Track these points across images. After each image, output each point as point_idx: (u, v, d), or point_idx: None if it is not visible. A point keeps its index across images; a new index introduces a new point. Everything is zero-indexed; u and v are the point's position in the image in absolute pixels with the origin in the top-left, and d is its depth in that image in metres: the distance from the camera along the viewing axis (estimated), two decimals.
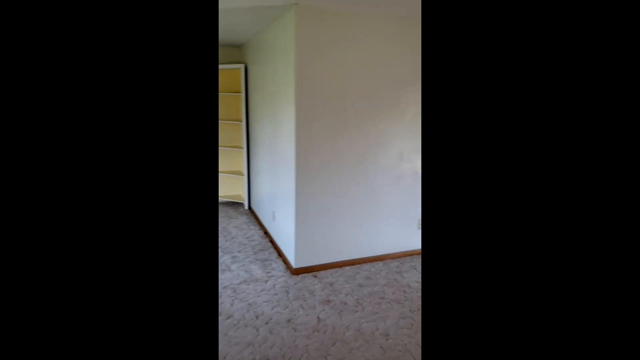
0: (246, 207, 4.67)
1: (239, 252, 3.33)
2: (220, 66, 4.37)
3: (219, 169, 4.71)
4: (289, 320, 2.28)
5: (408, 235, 3.30)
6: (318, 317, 2.32)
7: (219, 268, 2.99)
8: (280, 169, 3.15)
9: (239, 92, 4.45)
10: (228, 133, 4.72)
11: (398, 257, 3.26)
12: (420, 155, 3.17)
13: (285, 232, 3.13)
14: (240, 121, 4.50)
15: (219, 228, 3.92)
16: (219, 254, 3.28)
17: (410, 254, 3.32)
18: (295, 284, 2.76)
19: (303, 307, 2.43)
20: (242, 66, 4.28)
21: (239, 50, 4.60)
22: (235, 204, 4.83)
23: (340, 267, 3.05)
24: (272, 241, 3.55)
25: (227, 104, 4.63)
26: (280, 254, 3.27)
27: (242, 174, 4.63)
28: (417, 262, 3.17)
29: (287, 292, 2.63)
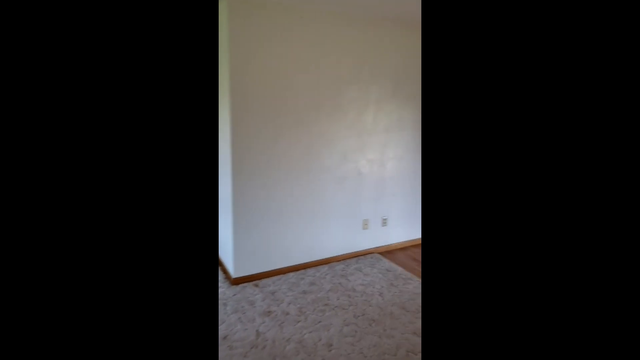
0: None
1: None
2: None
3: None
4: (224, 338, 2.09)
5: (353, 236, 3.24)
6: (257, 330, 2.16)
7: None
8: None
9: None
10: None
11: (344, 259, 3.19)
12: (363, 155, 3.13)
13: (223, 240, 2.91)
14: None
15: None
16: None
17: (355, 255, 3.27)
18: (234, 295, 2.57)
19: (241, 321, 2.25)
20: None
21: None
22: None
23: (284, 273, 2.91)
24: None
25: None
26: (218, 263, 3.04)
27: None
28: (363, 263, 3.13)
29: (225, 304, 2.44)
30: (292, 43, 2.61)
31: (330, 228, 3.09)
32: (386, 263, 3.14)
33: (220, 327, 2.18)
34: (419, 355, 2.00)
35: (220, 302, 2.46)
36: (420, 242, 3.66)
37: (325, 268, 3.02)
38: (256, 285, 2.71)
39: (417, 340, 2.10)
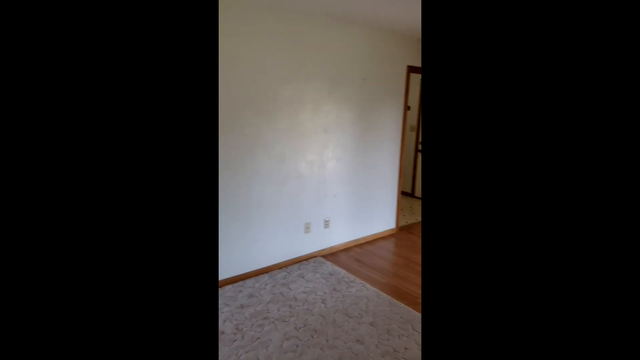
0: None
1: None
2: None
3: None
4: None
5: (295, 240, 3.12)
6: None
7: None
8: None
9: None
10: None
11: (286, 266, 3.06)
12: (302, 156, 3.01)
13: None
14: None
15: None
16: None
17: (298, 260, 3.15)
18: None
19: None
20: None
21: None
22: None
23: (221, 287, 2.69)
24: None
25: None
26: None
27: None
28: (305, 268, 3.02)
29: None
30: (227, 39, 2.39)
31: (270, 234, 2.93)
32: (329, 266, 3.07)
33: None
34: None
35: None
36: (362, 241, 3.65)
37: (265, 277, 2.86)
38: None
39: (360, 349, 2.04)
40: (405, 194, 5.69)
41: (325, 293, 2.64)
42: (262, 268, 2.94)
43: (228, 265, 2.74)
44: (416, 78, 5.28)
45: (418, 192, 5.51)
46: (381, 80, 3.44)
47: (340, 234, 3.46)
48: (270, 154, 2.81)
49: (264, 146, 2.76)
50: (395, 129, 3.72)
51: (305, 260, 3.19)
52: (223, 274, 2.73)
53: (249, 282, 2.78)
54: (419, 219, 4.48)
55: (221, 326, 2.22)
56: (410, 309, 2.45)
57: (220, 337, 2.11)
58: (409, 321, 2.31)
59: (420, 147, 5.39)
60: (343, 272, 2.98)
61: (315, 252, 3.29)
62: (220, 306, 2.44)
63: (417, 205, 5.11)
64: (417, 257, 3.32)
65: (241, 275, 2.82)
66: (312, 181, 3.13)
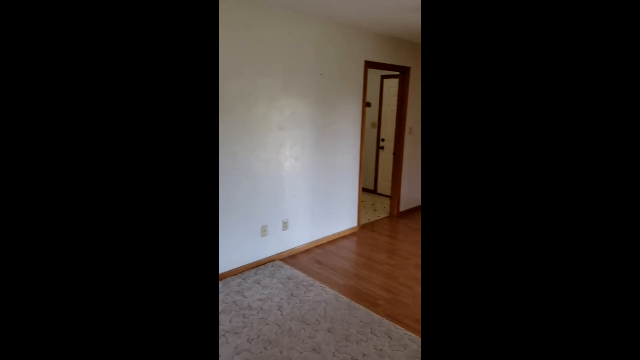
0: None
1: None
2: None
3: None
4: None
5: (251, 245, 2.96)
6: None
7: None
8: None
9: None
10: None
11: (241, 272, 2.89)
12: (256, 155, 2.85)
13: None
14: None
15: None
16: None
17: (255, 265, 2.99)
18: None
19: None
20: None
21: None
22: None
23: None
24: None
25: None
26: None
27: None
28: (262, 273, 2.87)
29: None
30: None
31: (222, 239, 2.75)
32: (287, 270, 2.94)
33: None
34: None
35: None
36: (323, 241, 3.55)
37: (219, 285, 2.67)
38: None
39: (316, 358, 1.93)
40: (368, 191, 5.67)
41: (282, 299, 2.50)
42: None
43: None
44: (374, 73, 5.25)
45: (380, 188, 5.51)
46: (339, 76, 3.34)
47: (300, 235, 3.34)
48: (220, 153, 2.62)
49: None
50: (354, 125, 3.64)
51: (263, 264, 3.04)
52: None
53: None
54: (381, 215, 4.46)
55: None
56: (369, 311, 2.37)
57: None
58: (367, 324, 2.23)
59: (381, 143, 5.38)
60: (302, 275, 2.86)
61: (273, 255, 3.14)
62: None
63: (380, 202, 5.10)
64: (378, 256, 3.27)
65: None
66: (268, 181, 2.98)
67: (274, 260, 3.12)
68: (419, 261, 3.18)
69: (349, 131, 3.60)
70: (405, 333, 2.15)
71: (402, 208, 4.52)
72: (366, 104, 5.34)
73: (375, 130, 5.47)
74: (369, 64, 3.61)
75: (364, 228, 4.00)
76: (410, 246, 3.51)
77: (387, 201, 5.12)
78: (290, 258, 3.20)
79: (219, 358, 1.92)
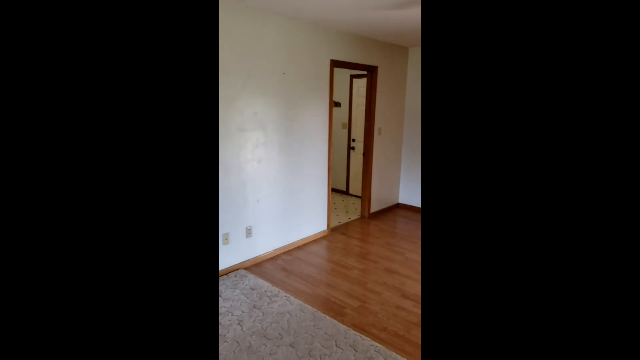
0: None
1: None
2: None
3: None
4: None
5: None
6: None
7: None
8: None
9: None
10: None
11: None
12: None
13: None
14: None
15: None
16: None
17: (220, 274, 2.82)
18: None
19: None
20: None
21: None
22: None
23: None
24: None
25: None
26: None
27: None
28: (224, 284, 2.70)
29: None
30: None
31: None
32: (251, 280, 2.78)
33: None
34: None
35: None
36: (290, 247, 3.42)
37: None
38: None
39: None
40: (339, 192, 5.58)
41: (243, 312, 2.35)
42: None
43: None
44: (343, 73, 5.16)
45: (352, 189, 5.43)
46: (304, 75, 3.22)
47: (266, 242, 3.19)
48: None
49: None
50: (322, 125, 3.53)
51: (226, 274, 2.87)
52: None
53: None
54: (352, 217, 4.37)
55: None
56: (335, 321, 2.26)
57: None
58: (332, 337, 2.12)
59: (352, 144, 5.30)
60: (266, 285, 2.72)
61: (237, 264, 2.98)
62: None
63: (352, 204, 5.02)
64: (347, 260, 3.18)
65: None
66: (228, 187, 2.81)
67: (237, 269, 2.96)
68: (389, 264, 3.11)
69: (317, 132, 3.48)
70: (372, 344, 2.06)
71: (374, 209, 4.46)
72: (335, 104, 5.26)
73: (346, 131, 5.38)
74: (335, 63, 3.51)
75: (335, 231, 3.90)
76: (380, 249, 3.44)
77: (359, 202, 5.05)
78: (255, 267, 3.05)
79: None
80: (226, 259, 2.89)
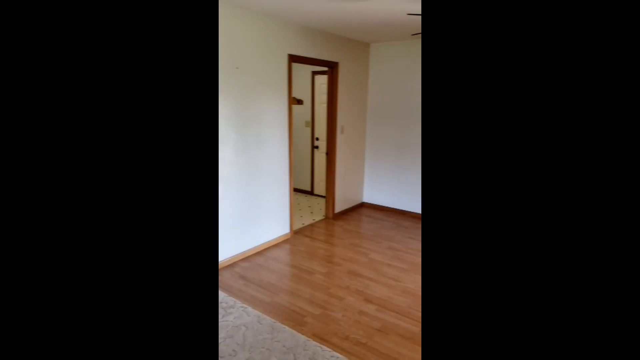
0: None
1: None
2: None
3: None
4: None
5: None
6: None
7: None
8: None
9: None
10: None
11: None
12: None
13: None
14: None
15: None
16: None
17: None
18: None
19: None
20: None
21: None
22: None
23: None
24: None
25: None
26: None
27: None
28: None
29: None
30: None
31: None
32: None
33: None
34: None
35: None
36: (250, 253, 3.24)
37: None
38: None
39: None
40: (304, 193, 5.45)
41: None
42: None
43: None
44: (304, 69, 5.03)
45: (317, 189, 5.32)
46: (259, 70, 3.04)
47: (222, 250, 2.99)
48: None
49: None
50: (281, 124, 3.37)
51: None
52: None
53: None
54: (317, 218, 4.25)
55: None
56: (295, 332, 2.12)
57: None
58: (291, 350, 1.98)
59: (316, 142, 5.18)
60: (222, 295, 2.53)
61: None
62: None
63: (316, 204, 4.90)
64: (310, 264, 3.05)
65: None
66: None
67: None
68: (352, 267, 3.01)
69: (276, 130, 3.32)
70: (333, 355, 1.94)
71: (338, 209, 4.36)
72: (297, 101, 5.11)
73: (309, 129, 5.25)
74: (293, 58, 3.36)
75: (298, 234, 3.76)
76: (343, 251, 3.34)
77: (323, 202, 4.94)
78: None
79: None
80: None
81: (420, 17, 2.95)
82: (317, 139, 5.15)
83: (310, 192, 5.40)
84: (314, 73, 4.98)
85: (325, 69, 4.71)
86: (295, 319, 2.28)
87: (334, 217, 4.28)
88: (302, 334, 2.13)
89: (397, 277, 2.84)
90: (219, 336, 2.08)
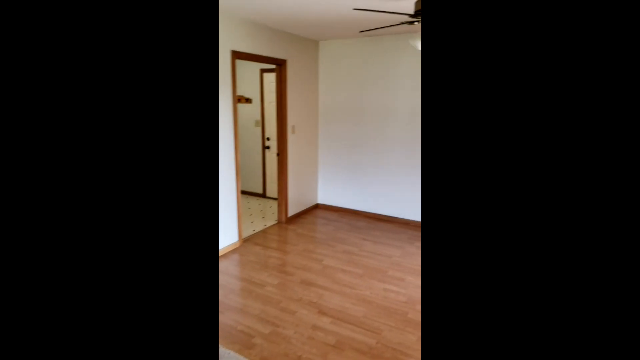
0: None
1: None
2: None
3: None
4: None
5: None
6: None
7: None
8: None
9: None
10: None
11: None
12: None
13: None
14: None
15: None
16: None
17: None
18: None
19: None
20: None
21: None
22: None
23: None
24: None
25: None
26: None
27: None
28: None
29: None
30: None
31: None
32: None
33: None
34: None
35: None
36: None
37: None
38: None
39: None
40: (256, 196, 5.21)
41: None
42: None
43: None
44: (252, 66, 4.78)
45: (269, 192, 5.10)
46: None
47: None
48: None
49: None
50: (226, 124, 3.11)
51: None
52: None
53: None
54: (269, 223, 4.04)
55: None
56: (241, 357, 1.92)
57: None
58: None
59: (267, 143, 4.95)
60: None
61: None
62: None
63: (269, 207, 4.68)
64: (260, 276, 2.84)
65: None
66: None
67: None
68: (306, 275, 2.86)
69: (220, 131, 3.06)
70: None
71: (292, 212, 4.19)
72: (246, 100, 4.84)
73: (259, 129, 5.01)
74: (237, 55, 3.12)
75: (248, 242, 3.53)
76: (296, 258, 3.17)
77: (276, 205, 4.74)
78: None
79: None
80: None
81: (367, 12, 2.85)
82: (269, 139, 4.93)
83: (263, 195, 5.17)
84: (263, 71, 4.75)
85: (273, 66, 4.50)
86: (242, 341, 2.07)
87: (287, 221, 4.09)
88: (249, 358, 1.93)
89: (351, 284, 2.73)
90: None
